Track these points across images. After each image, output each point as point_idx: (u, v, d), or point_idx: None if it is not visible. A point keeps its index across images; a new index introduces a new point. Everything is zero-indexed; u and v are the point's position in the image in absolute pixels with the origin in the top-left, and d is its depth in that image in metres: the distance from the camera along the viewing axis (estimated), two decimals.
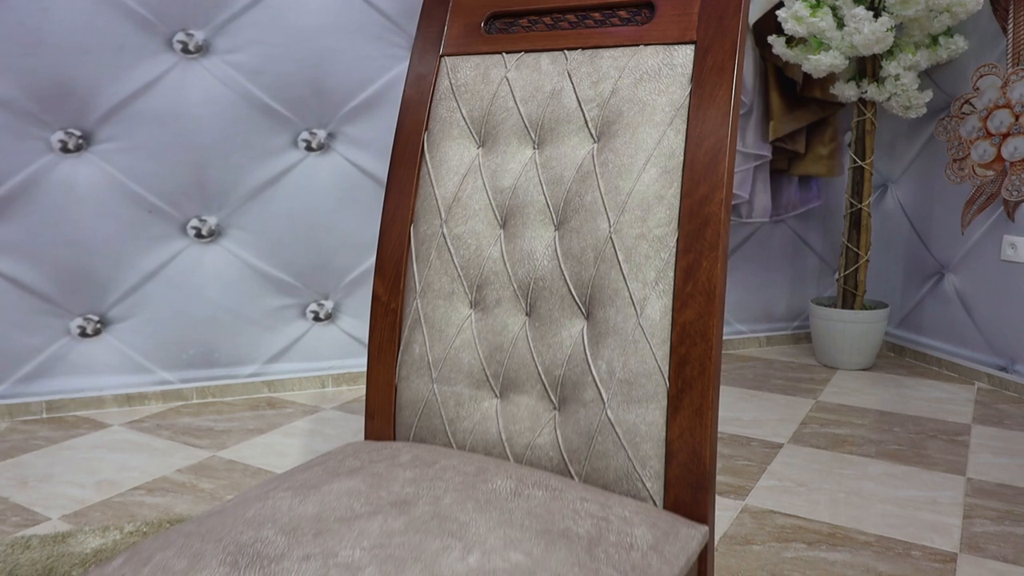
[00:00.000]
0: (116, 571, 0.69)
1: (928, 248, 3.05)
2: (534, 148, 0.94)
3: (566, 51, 0.93)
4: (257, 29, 2.45)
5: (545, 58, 0.94)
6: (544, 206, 0.91)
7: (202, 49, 2.42)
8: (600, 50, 0.91)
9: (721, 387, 2.78)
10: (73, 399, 2.45)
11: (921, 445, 2.23)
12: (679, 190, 0.84)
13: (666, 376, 0.83)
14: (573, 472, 0.88)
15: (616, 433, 0.84)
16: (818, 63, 2.63)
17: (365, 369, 2.77)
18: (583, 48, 0.92)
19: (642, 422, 0.83)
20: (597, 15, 0.91)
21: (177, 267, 2.52)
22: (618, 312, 0.85)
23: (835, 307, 2.96)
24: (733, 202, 3.04)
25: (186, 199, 2.48)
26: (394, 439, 1.00)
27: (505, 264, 0.93)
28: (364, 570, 0.64)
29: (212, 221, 2.53)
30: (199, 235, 2.52)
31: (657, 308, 0.84)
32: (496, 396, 0.94)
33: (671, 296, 0.83)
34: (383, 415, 0.99)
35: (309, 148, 2.59)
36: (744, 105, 2.96)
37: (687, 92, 0.86)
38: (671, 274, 0.83)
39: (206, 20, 2.40)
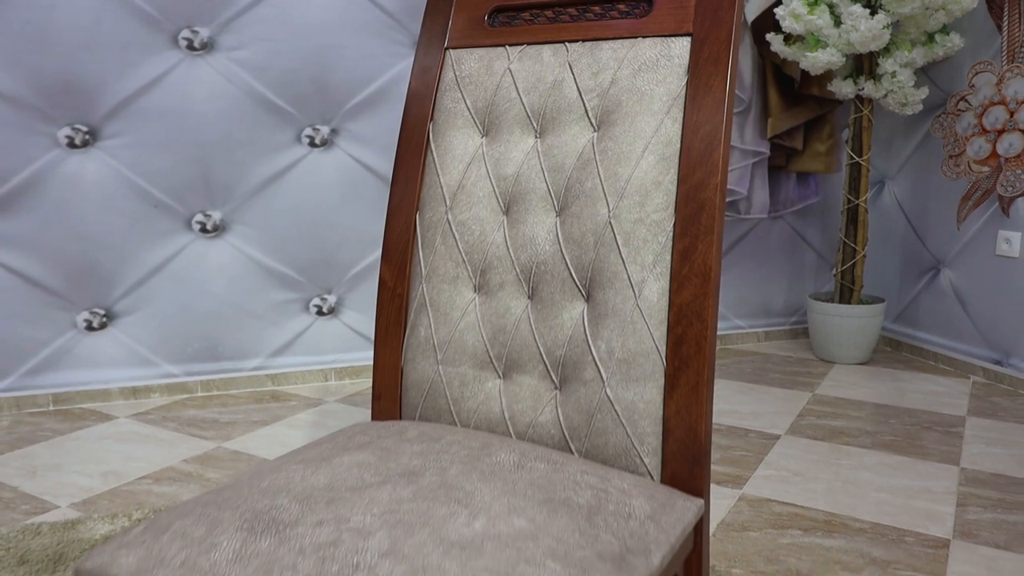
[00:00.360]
0: (137, 538, 0.73)
1: (924, 243, 3.08)
2: (536, 137, 0.97)
3: (567, 43, 0.96)
4: (261, 26, 2.48)
5: (547, 50, 0.97)
6: (546, 193, 0.95)
7: (207, 46, 2.45)
8: (600, 42, 0.94)
9: (719, 380, 2.81)
10: (79, 392, 2.48)
11: (916, 436, 2.27)
12: (676, 176, 0.87)
13: (663, 356, 0.86)
14: (574, 448, 0.91)
15: (615, 411, 0.88)
16: (815, 60, 2.66)
17: (368, 363, 2.80)
18: (583, 40, 0.95)
19: (640, 400, 0.87)
20: (597, 8, 0.95)
21: (182, 262, 2.55)
22: (617, 294, 0.88)
23: (832, 302, 2.99)
24: (732, 199, 3.07)
25: (191, 194, 2.51)
26: (400, 419, 1.04)
27: (508, 249, 0.96)
28: (375, 534, 0.67)
29: (217, 216, 2.56)
30: (204, 230, 2.55)
31: (655, 290, 0.87)
32: (499, 376, 0.97)
33: (668, 278, 0.86)
34: (390, 397, 1.03)
35: (312, 144, 2.62)
36: (742, 102, 2.99)
37: (683, 82, 0.89)
38: (668, 257, 0.87)
39: (211, 17, 2.43)
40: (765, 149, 3.05)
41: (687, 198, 0.86)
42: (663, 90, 0.90)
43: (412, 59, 2.67)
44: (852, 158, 2.91)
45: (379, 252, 2.76)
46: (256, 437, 2.24)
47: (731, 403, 2.56)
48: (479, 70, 1.01)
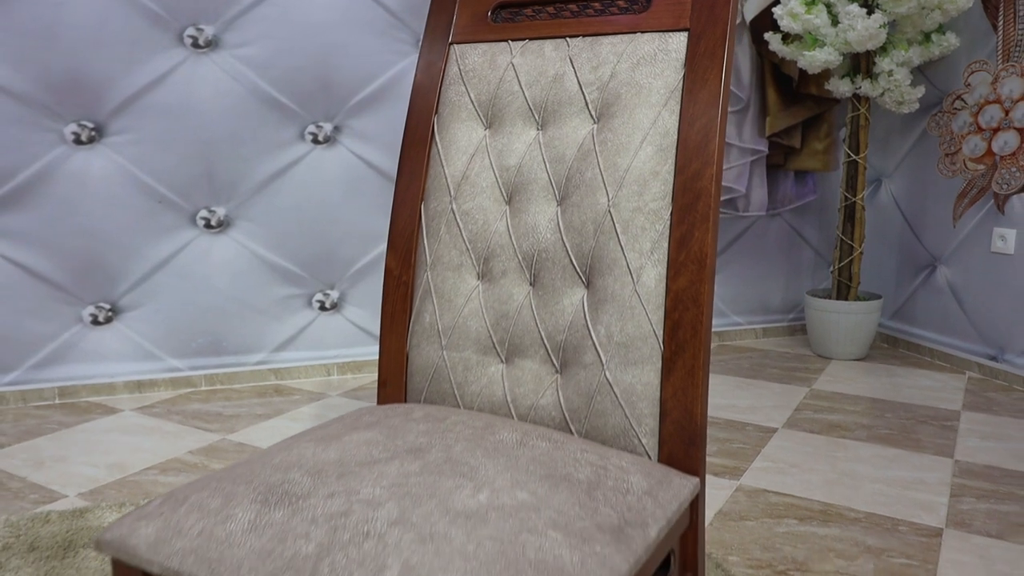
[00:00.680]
0: (155, 511, 0.76)
1: (921, 241, 3.11)
2: (538, 129, 1.00)
3: (568, 38, 0.99)
4: (266, 24, 2.51)
5: (548, 45, 1.01)
6: (547, 183, 0.98)
7: (212, 44, 2.48)
8: (600, 37, 0.97)
9: (718, 375, 2.84)
10: (85, 385, 2.51)
11: (911, 430, 2.30)
12: (673, 166, 0.90)
13: (660, 340, 0.89)
14: (574, 430, 0.94)
15: (614, 393, 0.91)
16: (813, 59, 2.69)
17: (370, 358, 2.83)
18: (584, 35, 0.98)
19: (638, 382, 0.90)
20: (597, 4, 0.98)
21: (186, 257, 2.58)
22: (616, 280, 0.91)
23: (830, 298, 3.02)
24: (730, 196, 3.10)
25: (195, 190, 2.54)
26: (406, 403, 1.07)
27: (511, 237, 0.99)
28: (384, 505, 0.70)
29: (221, 212, 2.59)
30: (208, 226, 2.58)
31: (652, 276, 0.90)
32: (502, 361, 1.00)
33: (665, 265, 0.89)
34: (395, 382, 1.06)
35: (316, 141, 2.65)
36: (741, 101, 3.02)
37: (681, 76, 0.92)
38: (665, 244, 0.90)
39: (216, 15, 2.47)
40: (763, 147, 3.09)
41: (684, 187, 0.89)
42: (661, 83, 0.93)
43: (414, 57, 2.70)
44: (849, 156, 2.94)
45: (381, 248, 2.79)
46: (260, 430, 2.27)
47: (729, 397, 2.59)
48: (483, 64, 1.04)
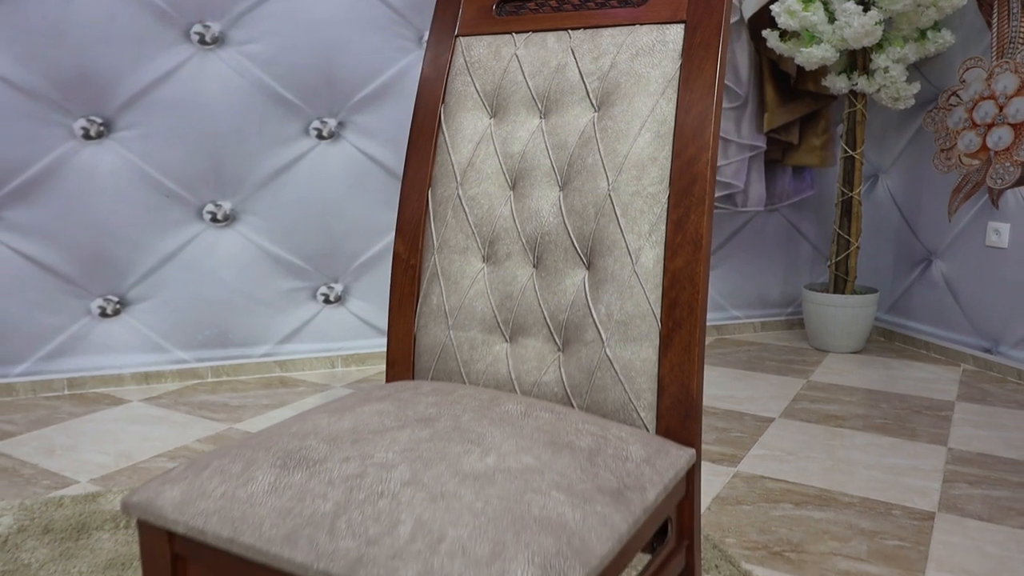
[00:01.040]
0: (179, 475, 0.80)
1: (917, 235, 3.15)
2: (541, 117, 1.05)
3: (570, 30, 1.04)
4: (271, 21, 2.56)
5: (551, 37, 1.05)
6: (550, 169, 1.02)
7: (218, 40, 2.52)
8: (600, 29, 1.02)
9: (716, 368, 2.88)
10: (93, 376, 2.56)
11: (906, 419, 2.34)
12: (670, 152, 0.94)
13: (658, 318, 0.93)
14: (575, 404, 0.98)
15: (614, 369, 0.95)
16: (810, 56, 2.73)
17: (373, 350, 2.87)
18: (585, 28, 1.02)
19: (637, 359, 0.94)
20: None
21: (193, 250, 2.62)
22: (616, 261, 0.95)
23: (827, 292, 3.06)
24: (729, 192, 3.14)
25: (202, 185, 2.58)
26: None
27: (515, 221, 1.03)
28: (397, 467, 0.74)
29: (227, 206, 2.63)
30: (214, 220, 2.62)
31: (650, 257, 0.94)
32: (506, 340, 1.04)
33: (663, 246, 0.94)
34: (403, 362, 1.10)
35: (320, 136, 2.69)
36: (739, 97, 3.06)
37: (677, 65, 0.96)
38: (663, 227, 0.94)
39: (222, 12, 2.51)
40: (761, 143, 3.13)
41: (681, 172, 0.93)
42: (659, 73, 0.97)
43: (417, 54, 2.74)
44: (846, 152, 2.98)
45: (385, 242, 2.83)
46: (266, 420, 2.31)
47: (727, 389, 2.63)
48: (488, 56, 1.08)
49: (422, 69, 1.12)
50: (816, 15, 2.68)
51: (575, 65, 1.02)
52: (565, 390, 0.98)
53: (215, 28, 2.51)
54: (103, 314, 2.55)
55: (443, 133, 1.09)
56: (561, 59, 1.03)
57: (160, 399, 2.49)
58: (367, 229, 2.79)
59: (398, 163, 2.78)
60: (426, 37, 2.72)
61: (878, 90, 2.85)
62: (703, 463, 2.01)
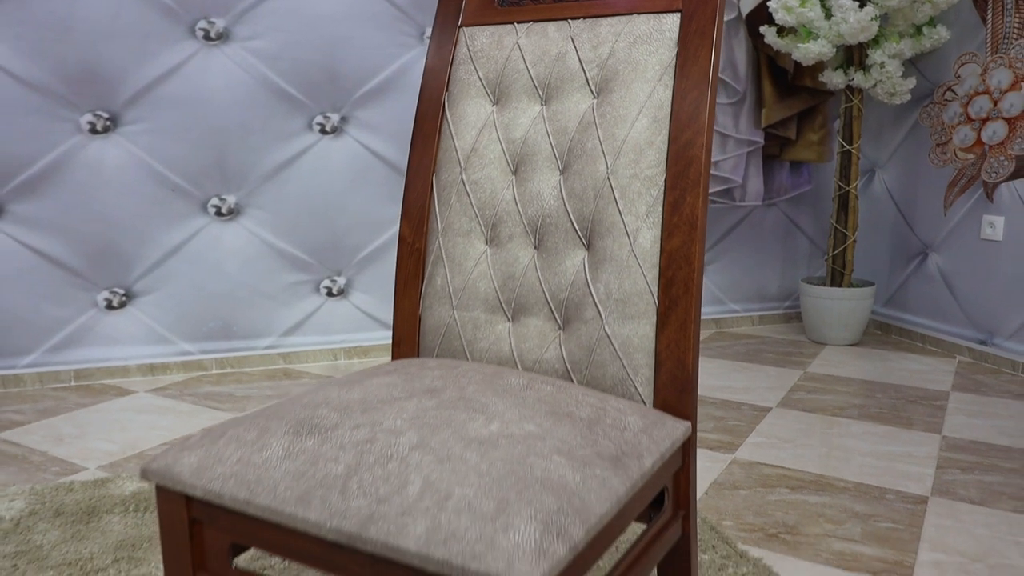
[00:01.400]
0: (196, 443, 0.83)
1: (913, 229, 3.19)
2: (542, 104, 1.08)
3: (570, 20, 1.07)
4: (275, 17, 2.59)
5: (552, 26, 1.08)
6: (551, 153, 1.05)
7: (223, 36, 2.56)
8: (599, 19, 1.05)
9: (714, 360, 2.92)
10: (100, 368, 2.59)
11: (902, 409, 2.37)
12: (667, 136, 0.98)
13: (655, 296, 0.97)
14: (575, 380, 1.01)
15: (613, 345, 0.98)
16: (807, 51, 2.77)
17: (376, 343, 2.91)
18: (585, 17, 1.06)
19: (635, 335, 0.97)
20: None
21: (198, 244, 2.65)
22: (614, 242, 0.99)
23: (824, 285, 3.10)
24: (727, 187, 3.18)
25: (207, 179, 2.62)
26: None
27: (516, 205, 1.07)
28: (405, 433, 0.78)
29: (231, 200, 2.66)
30: (219, 213, 2.66)
31: (648, 238, 0.97)
32: (508, 319, 1.08)
33: (660, 227, 0.97)
34: (408, 342, 1.13)
35: (323, 131, 2.73)
36: (737, 93, 3.10)
37: (674, 53, 1.00)
38: (660, 208, 0.97)
39: (226, 8, 2.54)
40: (759, 138, 3.16)
41: (677, 156, 0.97)
42: (655, 60, 1.00)
43: (419, 50, 2.78)
44: (843, 146, 3.01)
45: (387, 235, 2.87)
46: None
47: (725, 380, 2.67)
48: (490, 45, 1.12)
49: (426, 59, 1.16)
50: (813, 11, 2.71)
51: (575, 53, 1.06)
52: (565, 366, 1.02)
53: (219, 24, 2.55)
54: (109, 306, 2.59)
55: (447, 120, 1.13)
56: (561, 48, 1.07)
57: (165, 390, 2.52)
58: (370, 223, 2.83)
59: (400, 158, 2.82)
60: (428, 33, 2.76)
61: (874, 85, 2.89)
62: (701, 450, 2.05)
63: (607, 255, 1.00)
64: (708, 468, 1.93)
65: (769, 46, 3.02)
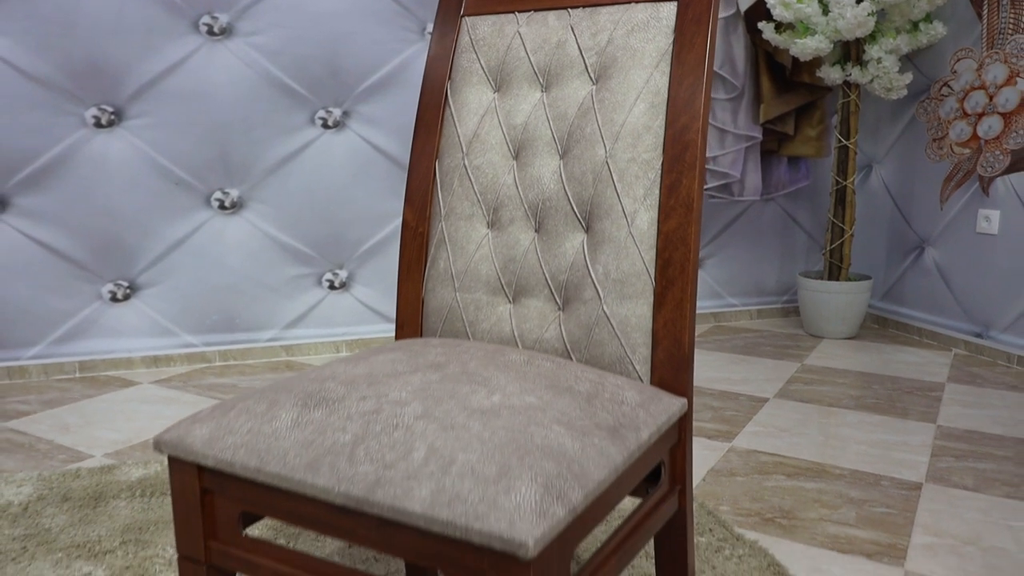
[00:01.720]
0: (207, 415, 0.86)
1: (909, 223, 3.22)
2: (542, 91, 1.11)
3: (569, 9, 1.10)
4: (277, 13, 2.62)
5: (552, 15, 1.11)
6: (551, 139, 1.08)
7: (226, 31, 2.58)
8: (598, 7, 1.08)
9: (713, 353, 2.94)
10: (104, 360, 2.62)
11: (897, 399, 2.40)
12: (664, 121, 1.01)
13: (652, 276, 1.00)
14: (574, 358, 1.04)
15: (611, 325, 1.01)
16: (804, 47, 2.79)
17: (377, 335, 2.93)
18: (584, 6, 1.09)
19: (632, 315, 1.00)
20: None
21: (201, 237, 2.68)
22: (613, 224, 1.02)
23: (822, 279, 3.13)
24: (725, 181, 3.20)
25: (210, 173, 2.65)
26: None
27: (517, 189, 1.09)
28: (410, 404, 0.80)
29: (234, 194, 2.69)
30: (222, 207, 2.68)
31: (645, 220, 1.00)
32: (509, 301, 1.10)
33: (657, 209, 1.00)
34: (412, 324, 1.16)
35: (325, 126, 2.75)
36: (736, 89, 3.12)
37: (671, 40, 1.02)
38: (657, 191, 1.00)
39: (229, 4, 2.57)
40: (758, 134, 3.19)
41: (673, 140, 0.99)
42: (653, 47, 1.03)
43: (420, 45, 2.80)
44: (840, 141, 3.04)
45: (389, 229, 2.89)
46: None
47: (723, 371, 2.70)
48: (492, 34, 1.14)
49: (429, 48, 1.18)
50: (810, 7, 2.74)
51: (574, 41, 1.08)
52: (565, 346, 1.05)
53: (223, 19, 2.57)
54: (113, 299, 2.62)
55: (449, 107, 1.16)
56: (561, 36, 1.09)
57: (169, 381, 2.55)
58: (371, 216, 2.86)
59: (401, 152, 2.85)
60: (429, 29, 2.78)
61: (871, 81, 2.92)
62: (698, 439, 2.07)
63: (606, 237, 1.02)
64: (705, 456, 1.96)
65: (767, 42, 3.05)
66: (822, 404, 2.35)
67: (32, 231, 2.48)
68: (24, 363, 2.53)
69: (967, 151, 2.90)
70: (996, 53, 2.77)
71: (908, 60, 3.14)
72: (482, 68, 1.14)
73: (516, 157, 1.11)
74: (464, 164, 1.13)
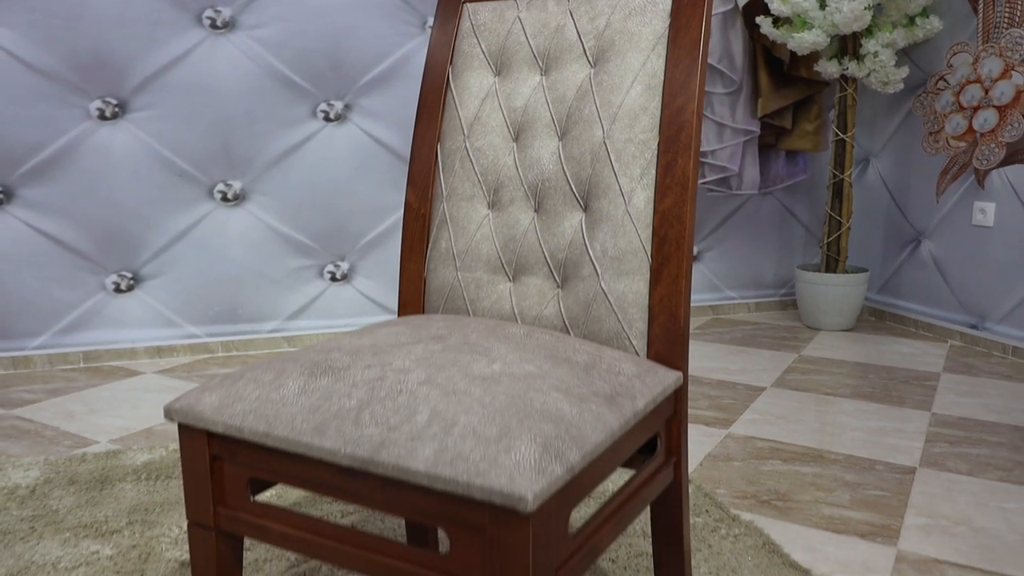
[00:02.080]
0: (217, 384, 0.89)
1: (906, 216, 3.24)
2: (542, 74, 1.14)
3: None
4: (280, 7, 2.64)
5: (551, 1, 1.14)
6: (550, 121, 1.11)
7: (229, 25, 2.61)
8: None
9: (711, 344, 2.97)
10: (108, 350, 2.64)
11: (893, 388, 2.43)
12: (660, 102, 1.03)
13: (649, 253, 1.02)
14: (573, 334, 1.07)
15: (608, 301, 1.03)
16: (801, 41, 2.82)
17: None
18: None
19: (629, 291, 1.03)
20: None
21: (204, 229, 2.71)
22: (610, 203, 1.04)
23: (819, 272, 3.15)
24: (724, 175, 3.23)
25: (213, 165, 2.67)
26: None
27: (517, 170, 1.12)
28: (413, 371, 0.83)
29: (237, 186, 2.72)
30: (225, 199, 2.71)
31: (642, 198, 1.03)
32: (509, 279, 1.13)
33: (653, 188, 1.02)
34: (414, 303, 1.19)
35: (327, 119, 2.78)
36: (734, 83, 3.15)
37: (667, 24, 1.05)
38: (653, 171, 1.03)
39: None
40: (756, 128, 3.21)
41: (669, 120, 1.02)
42: (649, 31, 1.06)
43: (421, 39, 2.83)
44: (837, 136, 3.07)
45: (390, 221, 2.92)
46: None
47: (721, 362, 2.72)
48: (492, 19, 1.17)
49: (431, 33, 1.21)
50: (808, 1, 2.76)
51: (573, 25, 1.11)
52: (564, 322, 1.07)
53: (226, 13, 2.60)
54: (117, 290, 2.64)
55: (451, 91, 1.18)
56: (560, 20, 1.12)
57: (173, 371, 2.57)
58: (373, 209, 2.88)
59: (402, 144, 2.87)
60: (430, 23, 2.81)
61: (868, 75, 2.94)
62: (695, 426, 2.10)
63: (603, 216, 1.05)
64: (703, 442, 1.99)
65: (765, 36, 3.07)
66: (819, 393, 2.38)
67: (37, 222, 2.50)
68: (29, 353, 2.56)
69: (963, 144, 2.92)
70: (991, 47, 2.79)
71: (904, 54, 3.17)
72: (483, 53, 1.17)
73: (516, 139, 1.14)
74: (465, 146, 1.16)
